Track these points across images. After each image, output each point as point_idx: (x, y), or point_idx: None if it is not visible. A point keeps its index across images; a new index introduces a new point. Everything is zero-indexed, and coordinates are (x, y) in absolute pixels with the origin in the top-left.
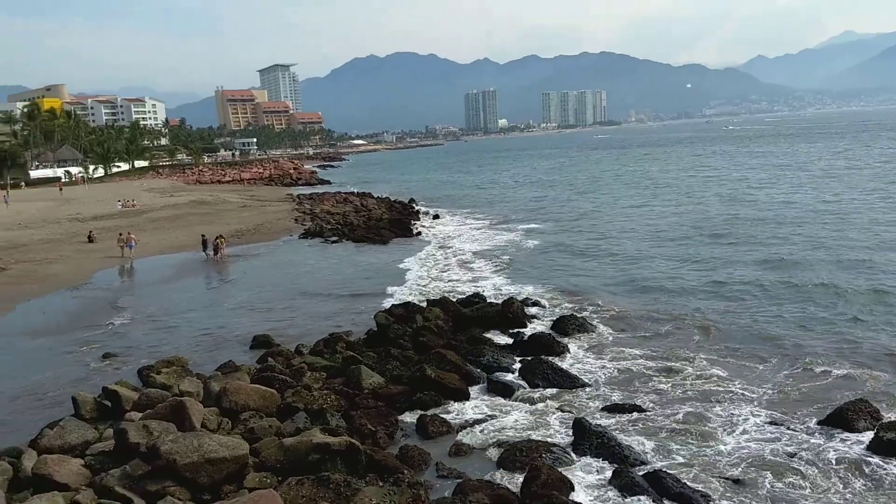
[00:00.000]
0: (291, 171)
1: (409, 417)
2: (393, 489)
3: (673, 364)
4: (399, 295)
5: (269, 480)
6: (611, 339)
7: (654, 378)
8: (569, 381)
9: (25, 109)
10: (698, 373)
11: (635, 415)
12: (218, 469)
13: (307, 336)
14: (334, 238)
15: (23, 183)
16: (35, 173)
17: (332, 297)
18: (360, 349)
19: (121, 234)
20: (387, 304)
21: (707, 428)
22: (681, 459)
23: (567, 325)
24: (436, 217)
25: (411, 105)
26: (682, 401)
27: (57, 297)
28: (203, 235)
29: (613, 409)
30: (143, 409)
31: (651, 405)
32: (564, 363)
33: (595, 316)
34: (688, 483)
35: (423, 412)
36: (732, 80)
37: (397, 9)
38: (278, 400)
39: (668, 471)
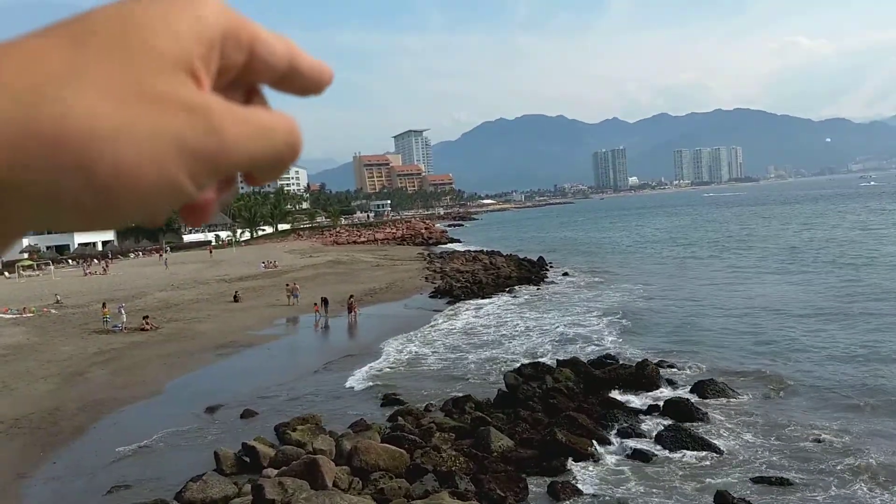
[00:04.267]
0: (423, 231)
1: (539, 483)
2: None
3: (824, 436)
4: (526, 353)
5: None
6: (755, 406)
7: (804, 450)
8: (709, 450)
9: None
10: (851, 447)
11: (783, 488)
12: None
13: (435, 395)
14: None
15: (168, 248)
16: (188, 237)
17: (457, 354)
18: (488, 410)
19: (288, 285)
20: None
21: None
22: None
23: (706, 390)
24: (565, 274)
25: (540, 165)
26: (835, 476)
27: (205, 355)
28: (321, 299)
29: (759, 480)
30: (279, 465)
31: (801, 479)
32: (704, 431)
33: (736, 381)
34: None
35: (553, 478)
36: (880, 135)
37: (528, 74)
38: (407, 461)
39: None
